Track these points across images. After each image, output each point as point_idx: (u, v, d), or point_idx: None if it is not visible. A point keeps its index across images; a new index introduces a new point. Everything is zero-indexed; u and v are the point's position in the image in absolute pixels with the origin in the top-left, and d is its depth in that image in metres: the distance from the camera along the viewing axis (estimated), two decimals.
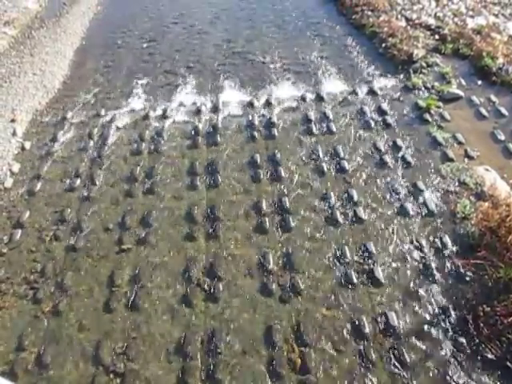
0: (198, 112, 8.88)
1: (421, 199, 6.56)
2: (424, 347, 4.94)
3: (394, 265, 5.77)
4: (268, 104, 8.88)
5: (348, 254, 5.92)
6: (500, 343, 4.83)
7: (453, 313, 5.19)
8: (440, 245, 5.94)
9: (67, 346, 5.28)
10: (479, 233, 5.86)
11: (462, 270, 5.59)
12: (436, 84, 8.90)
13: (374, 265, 5.77)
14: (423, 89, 8.86)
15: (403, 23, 11.28)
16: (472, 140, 7.50)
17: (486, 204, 6.19)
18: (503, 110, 8.05)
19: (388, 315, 5.22)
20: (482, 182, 6.63)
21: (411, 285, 5.54)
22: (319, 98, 8.93)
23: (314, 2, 13.53)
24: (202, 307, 5.52)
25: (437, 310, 5.25)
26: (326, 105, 8.72)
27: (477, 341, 4.91)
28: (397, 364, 4.82)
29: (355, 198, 6.67)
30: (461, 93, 8.54)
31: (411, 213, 6.39)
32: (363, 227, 6.27)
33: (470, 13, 11.59)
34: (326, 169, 7.22)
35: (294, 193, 6.87)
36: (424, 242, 5.98)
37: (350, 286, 5.58)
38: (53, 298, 5.81)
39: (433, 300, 5.36)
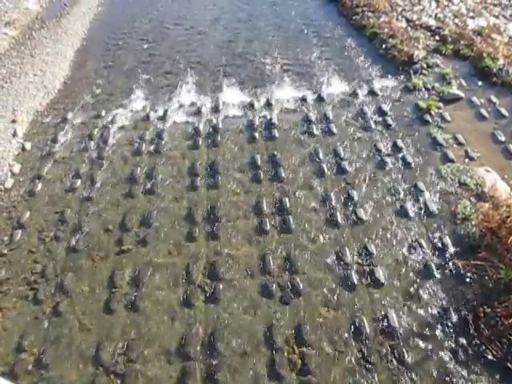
0: (198, 113, 8.88)
1: (421, 200, 6.56)
2: (424, 348, 4.94)
3: (394, 265, 5.77)
4: (268, 105, 8.88)
5: (348, 255, 5.92)
6: (500, 344, 4.82)
7: (453, 313, 5.19)
8: (440, 245, 5.93)
9: (67, 346, 5.28)
10: (480, 234, 5.85)
11: (462, 271, 5.59)
12: (436, 85, 8.90)
13: (374, 265, 5.76)
14: (424, 90, 8.86)
15: (404, 24, 11.28)
16: (472, 141, 7.50)
17: (487, 205, 6.18)
18: (503, 111, 8.05)
19: (388, 316, 5.21)
20: (482, 183, 6.63)
21: (412, 285, 5.53)
22: (319, 99, 8.93)
23: (315, 3, 13.54)
24: (202, 308, 5.52)
25: (437, 311, 5.25)
26: (326, 105, 8.72)
27: (477, 342, 4.90)
28: (397, 365, 4.82)
29: (355, 198, 6.67)
30: (461, 94, 8.54)
31: (411, 213, 6.39)
32: (364, 228, 6.27)
33: (471, 14, 11.60)
34: (326, 169, 7.22)
35: (294, 193, 6.87)
36: (424, 243, 5.98)
37: (350, 287, 5.57)
38: (53, 298, 5.81)
39: (433, 301, 5.35)
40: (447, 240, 5.97)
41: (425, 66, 9.49)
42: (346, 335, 5.11)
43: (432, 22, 11.17)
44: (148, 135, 8.37)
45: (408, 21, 11.44)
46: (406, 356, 4.87)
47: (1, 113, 8.96)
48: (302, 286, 5.62)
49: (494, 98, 8.37)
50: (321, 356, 4.95)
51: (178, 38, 12.06)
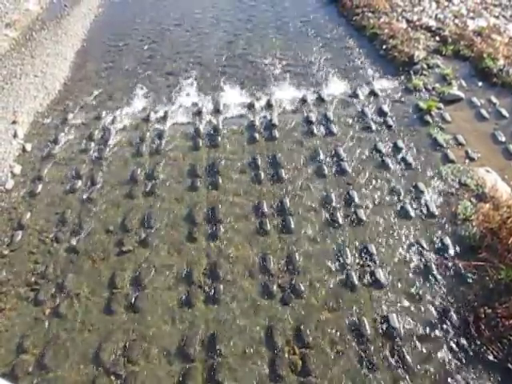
0: (198, 113, 8.88)
1: (421, 200, 6.56)
2: (425, 349, 4.94)
3: (395, 266, 5.77)
4: (269, 105, 8.88)
5: (349, 256, 5.92)
6: (501, 345, 4.82)
7: (454, 314, 5.18)
8: (441, 246, 5.93)
9: (68, 347, 5.27)
10: (480, 234, 5.85)
11: (463, 272, 5.58)
12: (437, 85, 8.90)
13: (375, 266, 5.76)
14: (424, 90, 8.86)
15: (404, 25, 11.28)
16: (473, 141, 7.50)
17: (487, 205, 6.18)
18: (504, 112, 8.05)
19: (389, 317, 5.21)
20: (482, 184, 6.63)
21: (412, 286, 5.53)
22: (320, 100, 8.93)
23: (315, 4, 13.55)
24: (202, 309, 5.52)
25: (438, 312, 5.25)
26: (326, 106, 8.72)
27: (478, 342, 4.90)
28: (398, 366, 4.81)
29: (356, 199, 6.67)
30: (461, 94, 8.54)
31: (412, 214, 6.38)
32: (364, 229, 6.27)
33: (471, 14, 11.60)
34: (326, 170, 7.22)
35: (294, 194, 6.87)
36: (425, 244, 5.98)
37: (351, 288, 5.57)
38: (54, 299, 5.81)
39: (434, 301, 5.35)
40: (448, 240, 5.97)
41: (425, 66, 9.50)
42: (347, 336, 5.11)
43: (432, 23, 11.17)
44: (148, 136, 8.37)
45: (408, 21, 11.44)
46: (407, 357, 4.87)
47: (1, 114, 8.97)
48: (302, 286, 5.62)
49: (494, 99, 8.37)
50: (321, 357, 4.95)
51: (179, 39, 12.07)
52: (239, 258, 6.06)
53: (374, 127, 8.04)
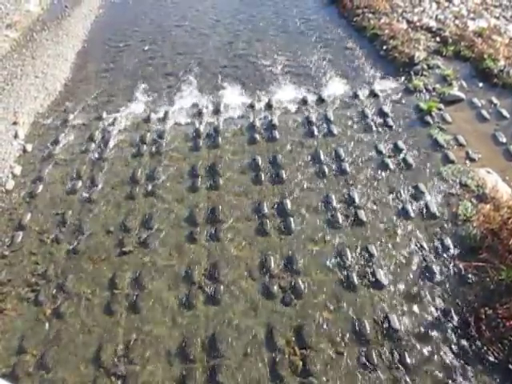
0: (199, 114, 8.88)
1: (422, 201, 6.55)
2: (426, 350, 4.93)
3: (395, 267, 5.76)
4: (269, 106, 8.88)
5: (349, 257, 5.91)
6: (502, 346, 4.81)
7: (454, 315, 5.17)
8: (441, 247, 5.93)
9: (68, 348, 5.27)
10: (481, 235, 5.84)
11: (463, 273, 5.58)
12: (437, 86, 8.90)
13: (375, 267, 5.76)
14: (424, 91, 8.86)
15: (404, 25, 11.28)
16: (473, 142, 7.49)
17: (488, 206, 6.18)
18: (504, 112, 8.04)
19: (390, 318, 5.21)
20: (483, 184, 6.62)
21: (413, 287, 5.53)
22: (320, 100, 8.93)
23: (315, 5, 13.55)
24: (203, 309, 5.52)
25: (438, 313, 5.24)
26: (326, 107, 8.72)
27: (479, 343, 4.89)
28: (398, 366, 4.81)
29: (356, 200, 6.66)
30: (462, 95, 8.53)
31: (412, 215, 6.38)
32: (364, 229, 6.26)
33: (471, 15, 11.60)
34: (327, 171, 7.21)
35: (295, 195, 6.86)
36: (425, 244, 5.97)
37: (351, 289, 5.57)
38: (54, 300, 5.81)
39: (434, 302, 5.34)
40: (448, 241, 5.97)
41: (425, 67, 9.49)
42: (347, 336, 5.10)
43: (433, 24, 11.17)
44: (149, 137, 8.38)
45: (409, 22, 11.44)
46: (407, 357, 4.86)
47: (2, 115, 8.98)
48: (302, 287, 5.62)
49: (494, 100, 8.36)
50: (322, 357, 4.94)
51: (179, 40, 12.08)
52: (239, 258, 6.06)
53: (374, 128, 8.03)
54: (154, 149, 8.06)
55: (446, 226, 6.19)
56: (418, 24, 11.24)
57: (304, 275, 5.76)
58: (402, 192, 6.73)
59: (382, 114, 8.38)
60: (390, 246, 6.03)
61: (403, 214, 6.42)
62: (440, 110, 8.27)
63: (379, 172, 7.13)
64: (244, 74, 10.20)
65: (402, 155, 7.38)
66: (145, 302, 5.66)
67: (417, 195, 6.66)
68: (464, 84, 8.90)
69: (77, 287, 5.92)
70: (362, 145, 7.70)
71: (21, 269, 6.23)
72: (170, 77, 10.36)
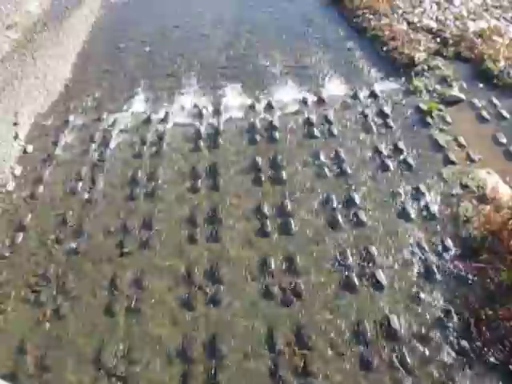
0: (199, 115, 8.89)
1: (422, 202, 6.55)
2: (426, 351, 4.93)
3: (395, 268, 5.77)
4: (269, 107, 8.89)
5: (350, 258, 5.91)
6: (503, 347, 4.81)
7: (455, 316, 5.17)
8: (442, 248, 5.93)
9: (69, 349, 5.28)
10: (481, 236, 5.84)
11: (463, 274, 5.58)
12: (437, 87, 8.90)
13: (375, 268, 5.76)
14: (425, 92, 8.85)
15: (404, 26, 11.28)
16: (474, 143, 7.49)
17: (488, 207, 6.18)
18: (505, 113, 8.04)
19: (390, 319, 5.21)
20: (484, 185, 6.62)
21: (413, 288, 5.53)
22: (320, 101, 8.93)
23: (315, 6, 13.53)
24: (203, 310, 5.52)
25: (439, 314, 5.24)
26: (327, 108, 8.72)
27: (479, 344, 4.89)
28: (399, 368, 4.81)
29: (357, 201, 6.66)
30: (462, 96, 8.54)
31: (413, 216, 6.38)
32: (365, 230, 6.27)
33: (472, 16, 11.59)
34: (327, 172, 7.22)
35: (295, 196, 6.87)
36: (426, 245, 5.97)
37: (351, 289, 5.57)
38: (54, 301, 5.81)
39: (435, 303, 5.35)
40: (449, 242, 5.97)
41: (426, 68, 9.49)
42: (347, 337, 5.10)
43: (433, 25, 11.17)
44: (149, 137, 8.38)
45: (409, 23, 11.43)
46: (408, 358, 4.86)
47: (2, 115, 8.98)
48: (303, 288, 5.61)
49: (495, 100, 8.36)
50: (322, 358, 4.94)
51: (179, 41, 12.07)
52: (240, 259, 6.06)
53: (374, 129, 8.03)
54: (154, 149, 8.07)
55: (446, 226, 6.19)
56: (418, 25, 11.23)
57: (304, 276, 5.76)
58: (402, 193, 6.74)
59: (382, 114, 8.38)
60: (390, 246, 6.03)
61: (404, 214, 6.42)
62: (440, 110, 8.27)
63: (379, 173, 7.13)
64: (244, 74, 10.20)
65: (402, 156, 7.38)
66: (145, 302, 5.67)
67: (417, 196, 6.66)
68: (464, 85, 8.91)
69: (77, 288, 5.92)
70: (362, 145, 7.70)
71: (21, 270, 6.24)
72: (171, 77, 10.35)
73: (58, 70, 10.90)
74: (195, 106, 9.20)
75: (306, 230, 6.35)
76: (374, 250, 5.97)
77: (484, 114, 8.10)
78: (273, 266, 5.89)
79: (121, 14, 14.31)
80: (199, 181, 7.29)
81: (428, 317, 5.23)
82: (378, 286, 5.57)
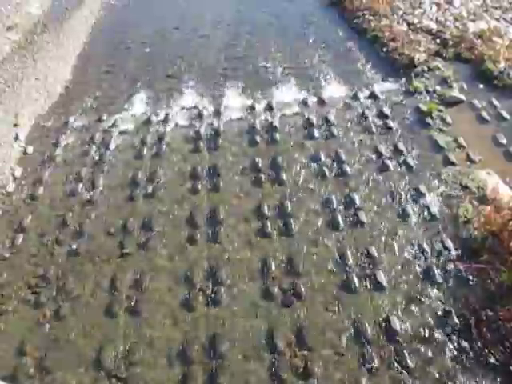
0: (199, 116, 8.89)
1: (423, 203, 6.55)
2: (426, 352, 4.92)
3: (396, 269, 5.76)
4: (269, 108, 8.89)
5: (350, 258, 5.91)
6: (503, 348, 4.80)
7: (455, 317, 5.17)
8: (442, 249, 5.92)
9: (69, 350, 5.27)
10: (482, 237, 5.84)
11: (464, 274, 5.57)
12: (437, 88, 8.90)
13: (376, 269, 5.75)
14: (425, 93, 8.86)
15: (404, 27, 11.29)
16: (474, 144, 7.49)
17: (489, 208, 6.17)
18: (505, 114, 8.04)
19: (390, 320, 5.20)
20: (484, 186, 6.62)
21: (413, 289, 5.52)
22: (321, 102, 8.94)
23: (315, 7, 13.54)
24: (203, 311, 5.52)
25: (439, 315, 5.23)
26: (327, 109, 8.72)
27: (480, 345, 4.88)
28: (399, 369, 4.80)
29: (357, 201, 6.66)
30: (462, 97, 8.54)
31: (413, 217, 6.38)
32: (365, 231, 6.26)
33: (472, 17, 11.60)
34: (327, 172, 7.22)
35: (295, 197, 6.87)
36: (426, 246, 5.97)
37: (352, 290, 5.56)
38: (54, 302, 5.81)
39: (435, 304, 5.34)
40: (449, 243, 5.96)
41: (426, 69, 9.50)
42: (348, 338, 5.10)
43: (433, 26, 11.18)
44: (149, 139, 8.39)
45: (409, 24, 11.44)
46: (408, 360, 4.86)
47: (3, 117, 8.99)
48: (303, 289, 5.61)
49: (495, 101, 8.36)
50: (323, 359, 4.93)
51: (179, 42, 12.08)
52: (240, 260, 6.06)
53: (374, 129, 8.04)
54: (154, 150, 8.07)
55: (446, 227, 6.19)
56: (418, 26, 11.24)
57: (304, 277, 5.75)
58: (402, 193, 6.74)
59: (382, 115, 8.38)
60: (390, 247, 6.02)
61: (404, 215, 6.42)
62: (440, 111, 8.28)
63: (380, 173, 7.13)
64: (244, 75, 10.21)
65: (402, 157, 7.38)
66: (145, 303, 5.66)
67: (417, 197, 6.66)
68: (464, 86, 8.91)
69: (77, 289, 5.92)
70: (363, 146, 7.70)
71: (21, 271, 6.24)
72: (171, 79, 10.37)
73: (58, 72, 10.91)
74: (195, 106, 9.21)
75: (306, 230, 6.35)
76: (374, 250, 5.97)
77: (484, 114, 8.10)
78: (273, 267, 5.89)
79: (121, 15, 14.34)
80: (199, 182, 7.29)
81: (428, 318, 5.22)
82: (378, 286, 5.56)
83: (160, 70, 10.77)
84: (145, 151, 8.08)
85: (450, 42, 10.23)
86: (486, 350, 4.83)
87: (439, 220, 6.30)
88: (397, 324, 5.15)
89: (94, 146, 8.35)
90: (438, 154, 7.38)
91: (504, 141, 7.48)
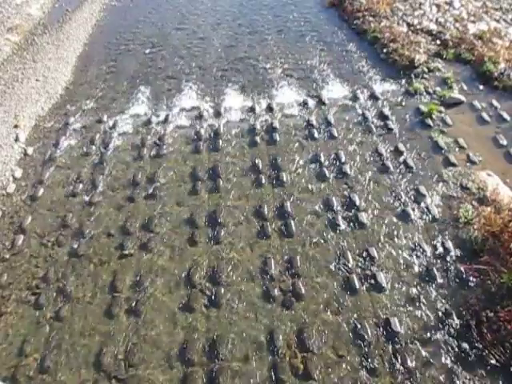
0: (199, 117, 8.89)
1: (423, 204, 6.54)
2: (427, 352, 4.91)
3: (396, 270, 5.75)
4: (270, 109, 8.89)
5: (350, 259, 5.90)
6: (503, 348, 4.79)
7: (456, 318, 5.16)
8: (442, 250, 5.91)
9: (69, 351, 5.26)
10: (482, 238, 5.83)
11: (464, 275, 5.57)
12: (438, 89, 8.90)
13: (376, 270, 5.75)
14: (425, 94, 8.86)
15: (405, 29, 11.30)
16: (474, 145, 7.49)
17: (489, 209, 6.17)
18: (505, 115, 8.04)
19: (390, 320, 5.19)
20: (484, 187, 6.61)
21: (414, 290, 5.51)
22: (321, 103, 8.93)
23: (316, 8, 13.56)
24: (203, 312, 5.50)
25: (440, 316, 5.22)
26: (327, 110, 8.72)
27: (480, 346, 4.87)
28: (399, 369, 4.79)
29: (357, 202, 6.65)
30: (462, 98, 8.54)
31: (413, 217, 6.37)
32: (365, 232, 6.25)
33: (472, 18, 11.61)
34: (327, 173, 7.21)
35: (295, 197, 6.86)
36: (426, 247, 5.96)
37: (352, 291, 5.56)
38: (55, 303, 5.80)
39: (436, 305, 5.33)
40: (449, 244, 5.96)
41: (426, 70, 9.51)
42: (348, 339, 5.09)
43: (433, 27, 11.19)
44: (150, 140, 8.38)
45: (409, 25, 11.45)
46: (408, 361, 4.85)
47: (3, 118, 9.00)
48: (303, 290, 5.60)
49: (495, 102, 8.36)
50: (323, 360, 4.92)
51: (180, 43, 12.08)
52: (240, 261, 6.05)
53: (374, 130, 8.03)
54: (154, 151, 8.07)
55: (446, 228, 6.18)
56: (418, 27, 11.26)
57: (305, 278, 5.75)
58: (402, 195, 6.73)
59: (382, 116, 8.38)
60: (390, 248, 6.01)
61: (404, 216, 6.41)
62: (440, 112, 8.28)
63: (380, 174, 7.12)
64: (245, 77, 10.21)
65: (402, 158, 7.37)
66: (145, 304, 5.65)
67: (418, 198, 6.65)
68: (464, 87, 8.91)
69: (77, 290, 5.91)
70: (363, 147, 7.69)
71: (21, 272, 6.23)
72: (171, 80, 10.36)
73: (58, 73, 10.91)
74: (195, 107, 9.20)
75: (307, 231, 6.34)
76: (374, 251, 5.96)
77: (484, 115, 8.10)
78: (273, 268, 5.88)
79: (121, 16, 14.34)
80: (199, 182, 7.29)
81: (429, 318, 5.21)
82: (378, 287, 5.56)
83: (160, 71, 10.77)
84: (145, 152, 8.07)
85: (450, 43, 10.24)
86: (487, 351, 4.82)
87: (439, 221, 6.29)
88: (397, 325, 5.14)
89: (94, 147, 8.35)
90: (438, 154, 7.38)
91: (504, 142, 7.48)
